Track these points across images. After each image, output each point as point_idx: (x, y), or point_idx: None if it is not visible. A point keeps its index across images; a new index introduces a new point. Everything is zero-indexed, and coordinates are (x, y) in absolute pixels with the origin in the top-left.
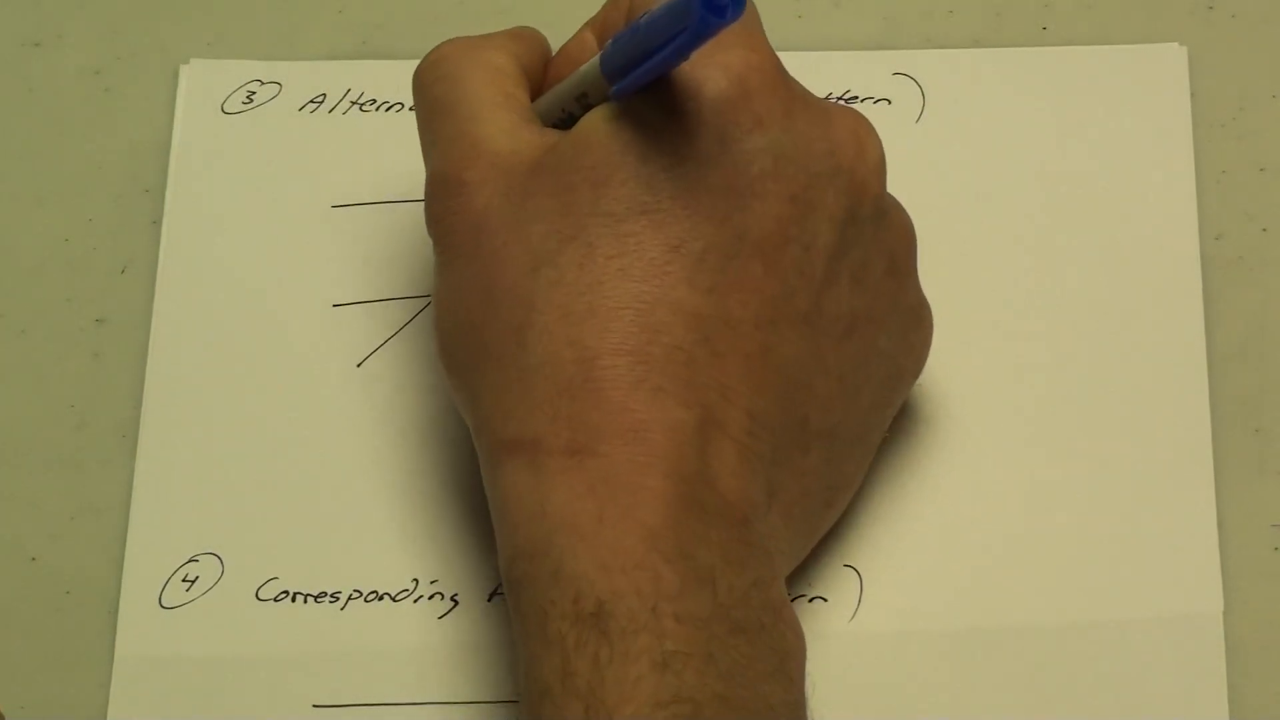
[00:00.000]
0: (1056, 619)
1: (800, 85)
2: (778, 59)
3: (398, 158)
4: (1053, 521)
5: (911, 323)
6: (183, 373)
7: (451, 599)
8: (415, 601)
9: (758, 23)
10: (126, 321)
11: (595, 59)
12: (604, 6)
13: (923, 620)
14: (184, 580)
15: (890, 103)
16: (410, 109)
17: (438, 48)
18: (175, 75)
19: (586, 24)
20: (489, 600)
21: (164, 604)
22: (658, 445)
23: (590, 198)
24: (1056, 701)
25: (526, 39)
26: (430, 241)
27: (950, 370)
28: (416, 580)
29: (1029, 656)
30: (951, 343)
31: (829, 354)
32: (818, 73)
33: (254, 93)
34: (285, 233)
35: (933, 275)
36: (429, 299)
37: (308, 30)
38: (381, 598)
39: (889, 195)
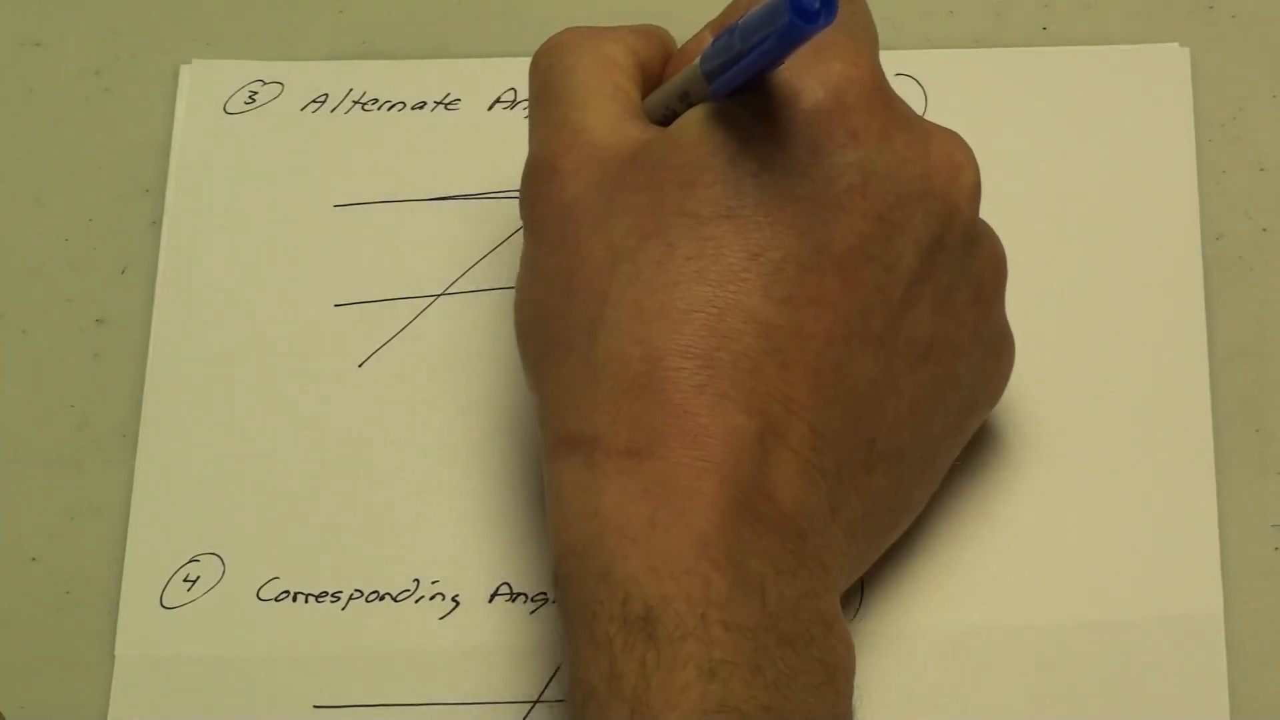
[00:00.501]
0: (1057, 619)
1: (903, 104)
2: (881, 75)
3: (400, 157)
4: (1053, 521)
5: (992, 353)
6: (183, 373)
7: (453, 600)
8: (416, 602)
9: (867, 36)
10: (126, 322)
11: (698, 59)
12: (726, 9)
13: (923, 620)
14: (185, 580)
15: None
16: (413, 109)
17: (558, 34)
18: (175, 75)
19: (709, 24)
20: (490, 601)
21: (165, 604)
22: (716, 451)
23: (676, 197)
24: (1057, 701)
25: (649, 35)
26: (432, 239)
27: None
28: (418, 581)
29: (1029, 656)
30: None
31: (902, 376)
32: None
33: (256, 93)
34: (287, 233)
35: None
36: (431, 299)
37: (308, 30)
38: (383, 598)
39: (982, 223)
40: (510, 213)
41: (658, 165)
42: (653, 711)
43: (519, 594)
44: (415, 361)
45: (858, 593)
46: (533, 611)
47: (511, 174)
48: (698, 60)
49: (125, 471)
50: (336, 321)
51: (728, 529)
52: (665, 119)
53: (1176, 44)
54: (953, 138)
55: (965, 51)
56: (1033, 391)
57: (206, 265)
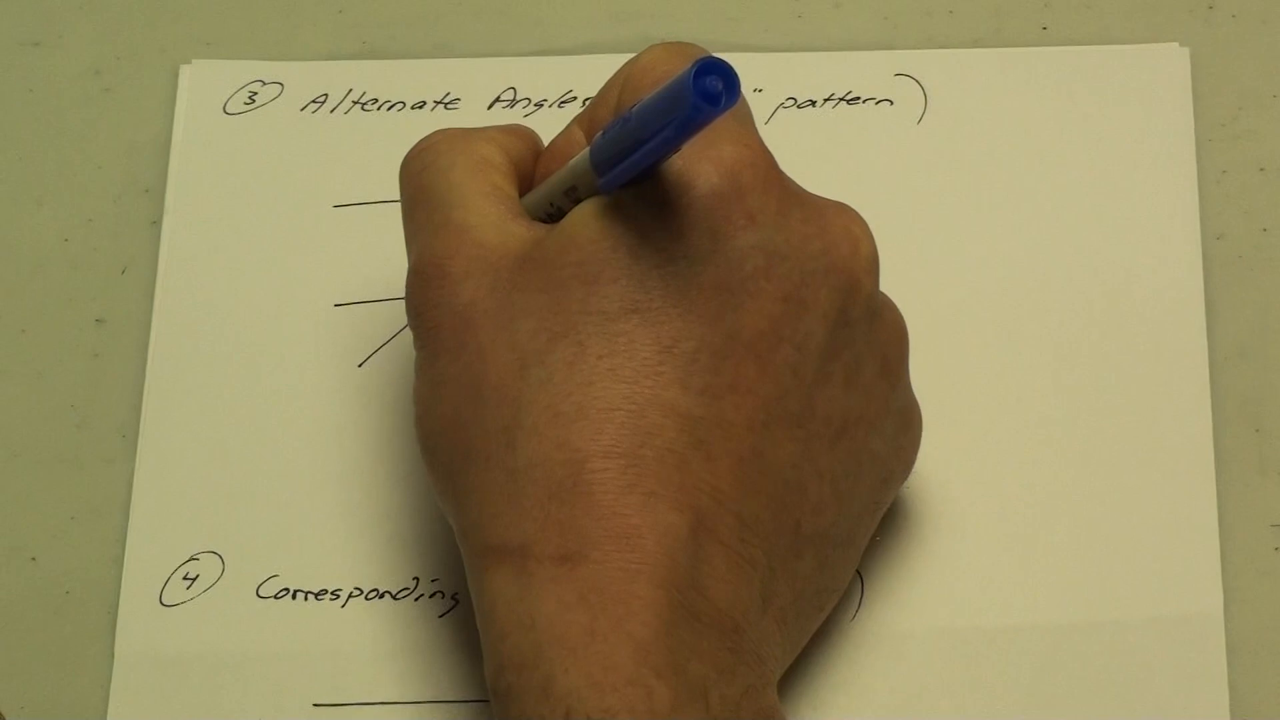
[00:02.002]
0: (1057, 619)
1: (793, 181)
2: (770, 154)
3: (400, 157)
4: (1053, 521)
5: (902, 425)
6: (183, 373)
7: (452, 598)
8: (416, 600)
9: (750, 116)
10: (126, 321)
11: (585, 152)
12: (591, 103)
13: (923, 620)
14: (185, 578)
15: (892, 103)
16: (413, 109)
17: (426, 137)
18: (175, 75)
19: (575, 119)
20: None
21: (164, 602)
22: (649, 552)
23: (580, 295)
24: (1057, 701)
25: (517, 134)
26: None
27: (951, 369)
28: (417, 579)
29: (1029, 656)
30: (953, 343)
31: (821, 456)
32: (818, 74)
33: (256, 93)
34: (286, 232)
35: (935, 275)
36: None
37: (307, 31)
38: (382, 596)
39: (882, 294)
40: None
41: (555, 264)
42: None
43: None
44: (414, 361)
45: (858, 593)
46: None
47: None
48: (585, 153)
49: (125, 471)
50: (336, 321)
51: (667, 634)
52: (550, 217)
53: (1176, 44)
54: (846, 211)
55: (965, 51)
56: (1032, 391)
57: (206, 265)
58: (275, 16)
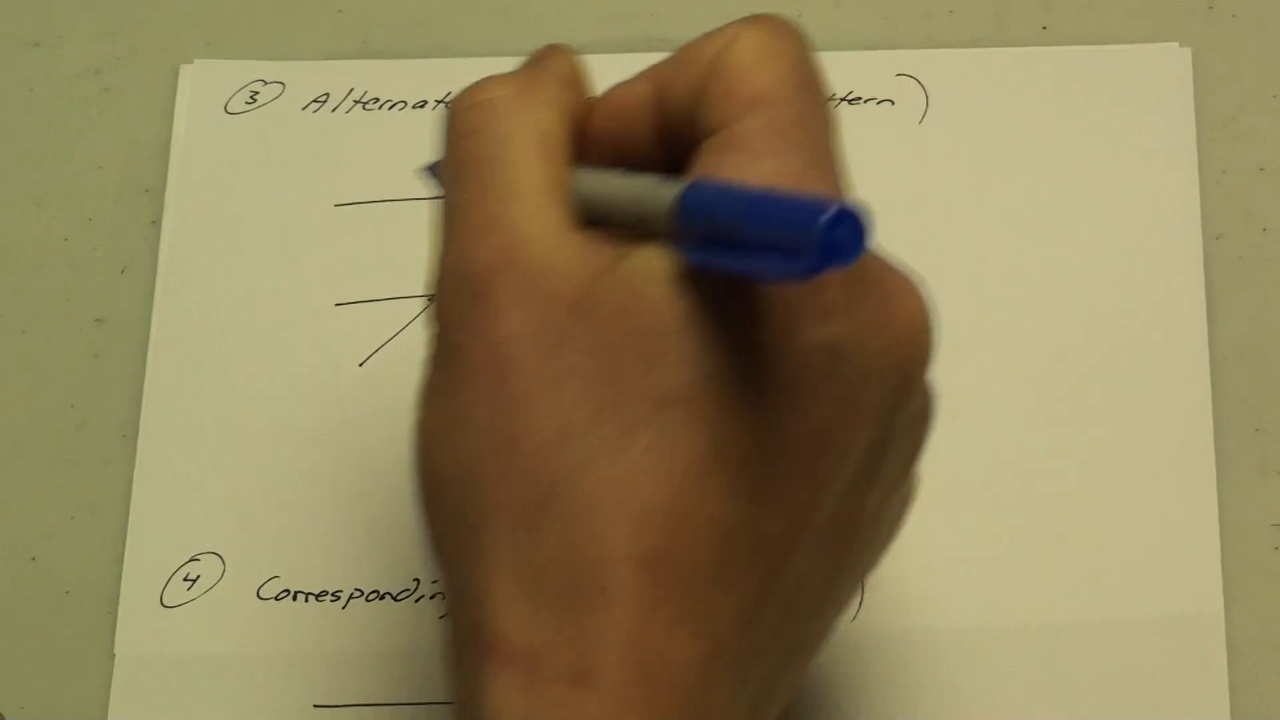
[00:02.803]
0: (1057, 618)
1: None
2: None
3: (401, 156)
4: (1053, 521)
5: (907, 504)
6: (182, 372)
7: None
8: (416, 601)
9: (838, 158)
10: (126, 321)
11: (670, 192)
12: (667, 63)
13: (923, 620)
14: (185, 579)
15: (893, 104)
16: (414, 108)
17: (481, 87)
18: (175, 75)
19: (644, 74)
20: None
21: (165, 603)
22: (664, 689)
23: (637, 372)
24: (1057, 701)
25: (576, 86)
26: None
27: (952, 369)
28: (418, 580)
29: (1029, 656)
30: (954, 343)
31: (845, 557)
32: None
33: (257, 92)
34: (287, 232)
35: (936, 276)
36: (431, 298)
37: (307, 31)
38: (383, 597)
39: (928, 385)
40: None
41: (615, 324)
42: None
43: None
44: (415, 361)
45: (858, 593)
46: None
47: None
48: (670, 198)
49: (125, 471)
50: (337, 321)
51: None
52: (601, 221)
53: (1177, 44)
54: (910, 290)
55: (965, 51)
56: (1033, 391)
57: (206, 265)
58: (275, 17)
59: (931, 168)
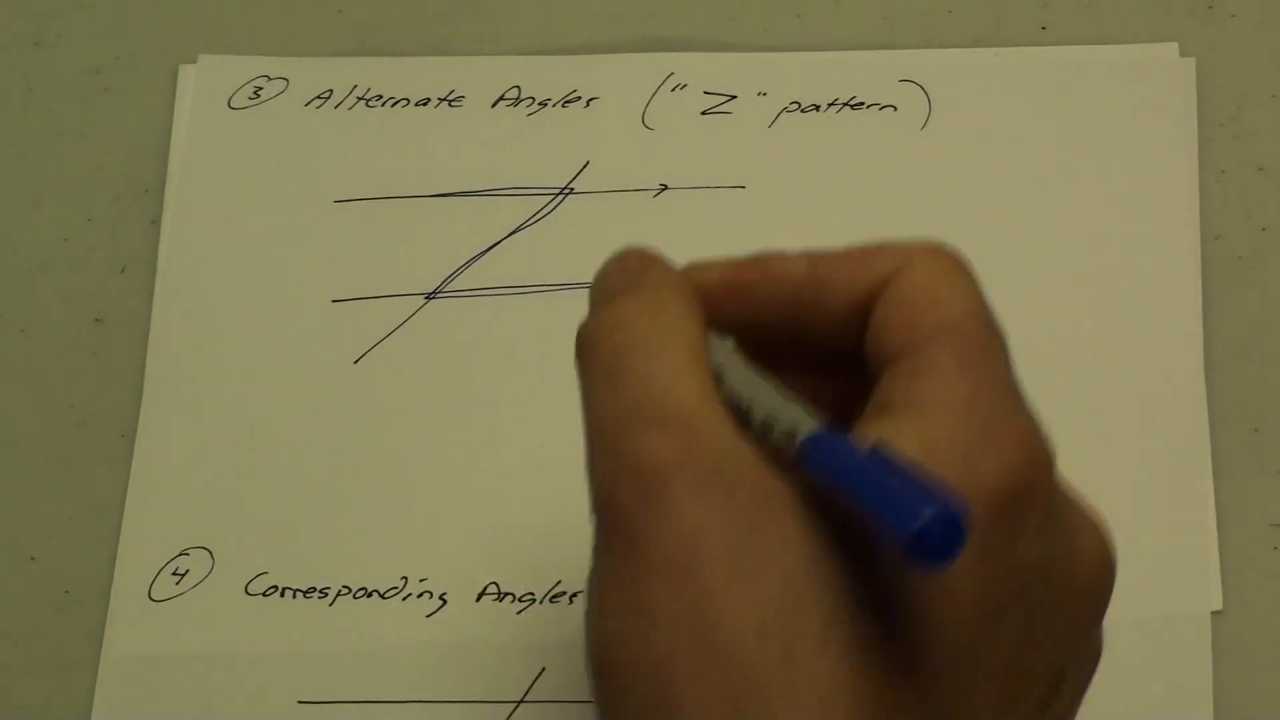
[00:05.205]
0: None
1: (1058, 475)
2: (1048, 441)
3: (403, 154)
4: None
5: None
6: (182, 372)
7: (440, 597)
8: (404, 599)
9: (1009, 359)
10: (126, 321)
11: (808, 427)
12: (831, 257)
13: None
14: (174, 574)
15: (896, 109)
16: (417, 105)
17: (612, 312)
18: (175, 75)
19: (804, 256)
20: (477, 600)
21: (153, 597)
22: None
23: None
24: None
25: (696, 289)
26: (432, 236)
27: None
28: (406, 578)
29: None
30: None
31: None
32: (820, 75)
33: (261, 88)
34: (287, 228)
35: None
36: (427, 296)
37: (306, 30)
38: (370, 595)
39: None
40: (510, 209)
41: (806, 523)
42: None
43: (506, 594)
44: (410, 359)
45: None
46: (519, 611)
47: (513, 171)
48: (806, 432)
49: (124, 471)
50: (333, 317)
51: None
52: (742, 415)
53: (1176, 44)
54: (1097, 531)
55: (965, 51)
56: (1031, 391)
57: (206, 264)
58: (274, 17)
59: (934, 173)
